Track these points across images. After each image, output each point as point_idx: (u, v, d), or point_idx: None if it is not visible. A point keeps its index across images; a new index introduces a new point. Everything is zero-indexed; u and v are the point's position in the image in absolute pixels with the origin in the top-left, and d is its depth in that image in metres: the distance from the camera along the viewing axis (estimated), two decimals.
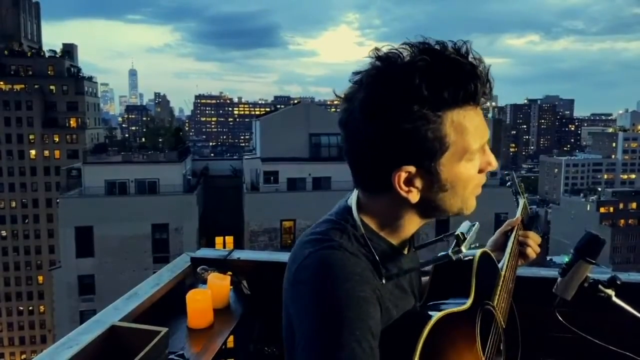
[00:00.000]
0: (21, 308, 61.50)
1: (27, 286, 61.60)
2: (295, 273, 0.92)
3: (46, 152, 62.60)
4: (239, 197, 30.16)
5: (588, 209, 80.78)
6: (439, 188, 0.92)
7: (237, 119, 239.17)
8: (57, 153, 62.15)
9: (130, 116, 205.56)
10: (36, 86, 62.82)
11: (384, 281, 0.92)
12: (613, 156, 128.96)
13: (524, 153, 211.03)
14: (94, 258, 27.16)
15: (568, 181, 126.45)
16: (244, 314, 1.98)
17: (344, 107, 0.93)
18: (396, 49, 0.90)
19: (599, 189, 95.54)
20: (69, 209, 27.47)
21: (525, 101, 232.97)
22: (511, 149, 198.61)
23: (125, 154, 34.02)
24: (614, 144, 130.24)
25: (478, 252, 1.06)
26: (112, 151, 36.03)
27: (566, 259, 1.52)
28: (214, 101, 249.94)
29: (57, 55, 67.47)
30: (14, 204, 62.35)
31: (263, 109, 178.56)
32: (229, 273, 2.06)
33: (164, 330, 1.45)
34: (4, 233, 61.85)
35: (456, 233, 0.97)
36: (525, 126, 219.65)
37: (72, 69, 66.42)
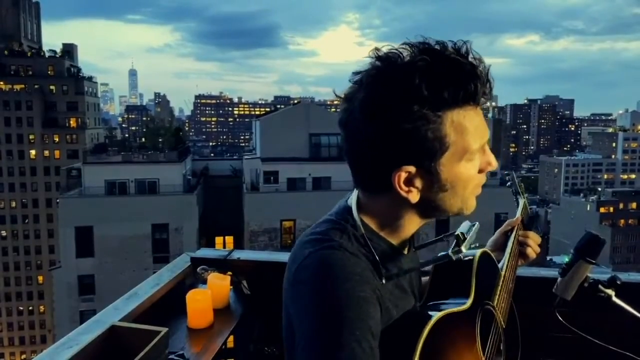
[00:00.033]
0: (21, 308, 61.50)
1: (27, 286, 61.59)
2: (295, 273, 0.92)
3: (46, 152, 62.60)
4: (239, 197, 30.16)
5: (588, 209, 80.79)
6: (439, 188, 0.92)
7: (237, 119, 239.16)
8: (57, 153, 62.14)
9: (130, 116, 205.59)
10: (36, 86, 62.82)
11: (384, 281, 0.92)
12: (613, 156, 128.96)
13: (524, 153, 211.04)
14: (94, 258, 27.16)
15: (568, 181, 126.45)
16: (244, 314, 1.98)
17: (344, 107, 0.93)
18: (396, 49, 0.90)
19: (599, 189, 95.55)
20: (69, 209, 27.47)
21: (525, 101, 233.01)
22: (511, 149, 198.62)
23: (125, 154, 34.01)
24: (614, 144, 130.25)
25: (478, 252, 1.06)
26: (112, 151, 36.02)
27: (566, 259, 1.52)
28: (214, 101, 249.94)
29: (57, 55, 67.47)
30: (14, 204, 62.36)
31: (263, 109, 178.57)
32: (229, 273, 2.06)
33: (164, 330, 1.45)
34: (4, 233, 61.84)
35: (456, 233, 0.97)
36: (525, 126, 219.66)
37: (72, 69, 66.42)
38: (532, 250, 1.33)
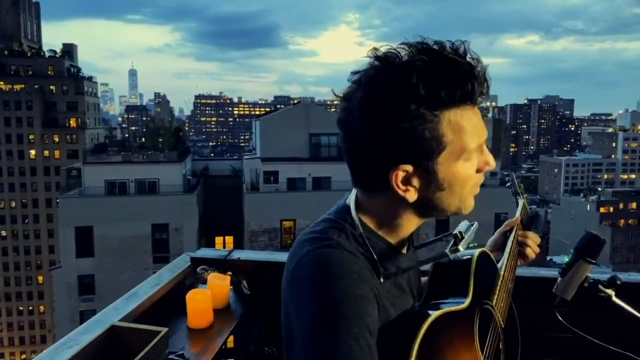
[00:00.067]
0: (21, 308, 61.49)
1: (27, 286, 61.58)
2: (293, 271, 0.92)
3: (46, 152, 62.59)
4: (239, 197, 30.16)
5: (588, 209, 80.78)
6: (437, 187, 0.93)
7: (237, 119, 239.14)
8: (57, 153, 62.13)
9: (130, 116, 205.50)
10: (36, 86, 62.81)
11: (382, 280, 0.93)
12: (613, 156, 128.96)
13: (524, 153, 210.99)
14: (94, 258, 27.15)
15: (568, 181, 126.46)
16: (244, 314, 1.98)
17: (343, 107, 0.94)
18: (394, 49, 0.90)
19: (599, 189, 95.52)
20: (69, 209, 27.47)
21: (525, 101, 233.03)
22: (511, 149, 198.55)
23: (125, 154, 33.99)
24: (614, 144, 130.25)
25: (476, 251, 1.06)
26: (112, 151, 36.01)
27: (566, 259, 1.52)
28: (214, 101, 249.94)
29: (57, 55, 67.46)
30: (14, 204, 62.35)
31: (263, 109, 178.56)
32: (229, 273, 2.06)
33: (164, 330, 1.45)
34: (4, 233, 61.83)
35: (454, 232, 0.97)
36: (525, 126, 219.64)
37: (72, 69, 66.41)
38: (532, 251, 1.33)
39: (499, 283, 1.11)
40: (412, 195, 0.93)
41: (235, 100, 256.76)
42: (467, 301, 0.97)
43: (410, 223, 1.00)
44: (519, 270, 1.30)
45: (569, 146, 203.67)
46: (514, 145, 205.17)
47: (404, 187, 0.92)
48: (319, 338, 0.82)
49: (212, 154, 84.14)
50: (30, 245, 62.19)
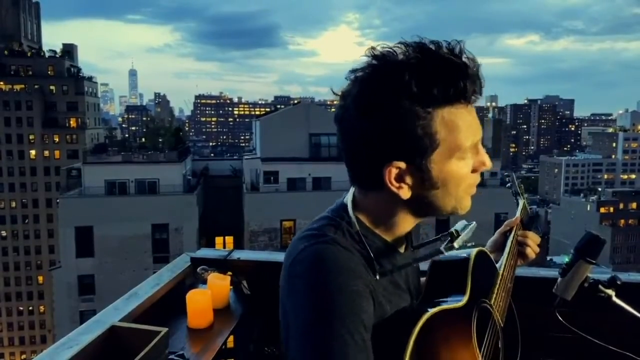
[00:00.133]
0: (21, 308, 61.48)
1: (27, 286, 61.57)
2: (289, 268, 0.93)
3: (46, 152, 62.57)
4: (239, 197, 30.15)
5: (588, 209, 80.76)
6: (430, 185, 0.93)
7: (237, 119, 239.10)
8: (57, 153, 62.12)
9: (130, 116, 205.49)
10: (36, 86, 62.78)
11: (377, 277, 0.93)
12: (613, 156, 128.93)
13: (524, 153, 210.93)
14: (94, 258, 27.15)
15: (568, 181, 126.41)
16: (244, 314, 1.99)
17: (339, 104, 0.95)
18: (391, 48, 0.91)
19: (599, 189, 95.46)
20: (69, 209, 27.46)
21: (525, 101, 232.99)
22: (511, 149, 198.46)
23: (125, 154, 33.98)
24: (614, 144, 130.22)
25: (474, 250, 1.06)
26: (112, 151, 36.00)
27: (566, 259, 1.52)
28: (214, 101, 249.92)
29: (57, 55, 67.43)
30: (14, 204, 62.33)
31: (263, 109, 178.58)
32: (229, 273, 2.06)
33: (164, 330, 1.45)
34: (4, 233, 61.82)
35: (450, 230, 0.98)
36: (525, 126, 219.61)
37: (72, 69, 66.39)
38: (532, 250, 1.33)
39: (498, 282, 1.11)
40: (405, 193, 0.93)
41: (235, 100, 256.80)
42: (465, 299, 0.97)
43: (406, 222, 1.00)
44: (519, 270, 1.30)
45: (569, 146, 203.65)
46: (514, 145, 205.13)
47: (397, 184, 0.92)
48: (314, 333, 0.83)
49: (212, 154, 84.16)
50: (30, 245, 62.18)
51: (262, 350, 2.12)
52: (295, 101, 68.56)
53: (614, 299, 1.19)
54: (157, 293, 1.87)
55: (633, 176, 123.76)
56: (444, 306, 0.93)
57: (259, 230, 28.04)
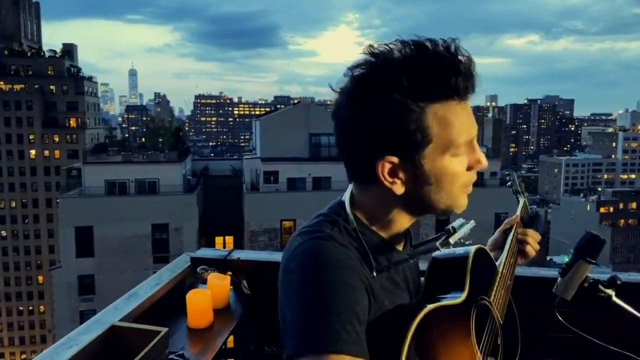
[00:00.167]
0: (21, 308, 61.47)
1: (27, 286, 61.56)
2: (285, 263, 0.94)
3: (46, 152, 62.56)
4: (239, 197, 30.15)
5: (588, 209, 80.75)
6: (424, 181, 0.94)
7: (237, 119, 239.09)
8: (57, 153, 62.11)
9: (130, 116, 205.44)
10: (36, 86, 62.77)
11: (374, 274, 0.93)
12: (613, 156, 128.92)
13: (524, 153, 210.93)
14: (94, 258, 27.15)
15: (568, 181, 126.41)
16: (244, 314, 1.98)
17: (336, 100, 0.96)
18: (387, 45, 0.92)
19: (599, 189, 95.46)
20: (69, 209, 27.46)
21: (525, 101, 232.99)
22: (511, 149, 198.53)
23: (125, 154, 34.00)
24: (614, 144, 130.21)
25: (474, 248, 1.06)
26: (112, 151, 36.03)
27: (566, 259, 1.52)
28: (214, 101, 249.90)
29: (57, 55, 67.42)
30: (14, 204, 62.32)
31: (263, 109, 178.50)
32: (229, 273, 2.06)
33: (164, 330, 1.45)
34: (4, 233, 61.81)
35: (447, 227, 0.98)
36: (525, 126, 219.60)
37: (72, 69, 66.37)
38: (532, 248, 1.34)
39: (498, 279, 1.12)
40: (399, 188, 0.94)
41: (235, 100, 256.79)
42: (463, 296, 0.97)
43: (402, 219, 1.01)
44: (518, 270, 1.30)
45: (569, 146, 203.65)
46: (514, 145, 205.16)
47: (390, 179, 0.93)
48: (307, 325, 0.83)
49: (212, 154, 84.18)
50: (30, 245, 62.17)
51: (262, 350, 2.12)
52: (295, 101, 68.56)
53: (614, 298, 1.20)
54: (157, 293, 1.87)
55: (633, 176, 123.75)
56: (443, 302, 0.93)
57: (259, 230, 28.04)
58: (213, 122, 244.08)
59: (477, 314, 0.96)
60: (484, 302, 1.03)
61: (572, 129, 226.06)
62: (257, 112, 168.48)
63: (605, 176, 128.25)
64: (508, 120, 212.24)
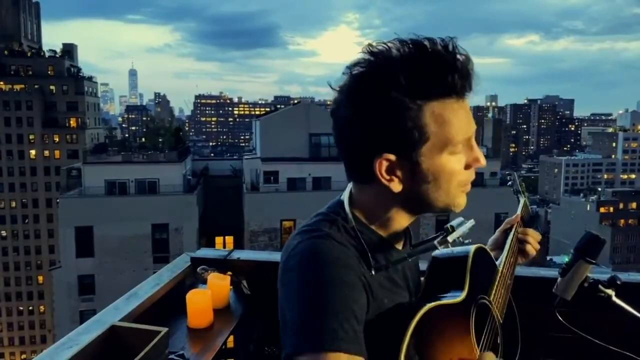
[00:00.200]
0: (21, 308, 61.46)
1: (27, 286, 61.55)
2: (284, 263, 0.94)
3: (46, 152, 62.55)
4: (239, 197, 30.15)
5: (588, 209, 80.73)
6: (421, 179, 0.94)
7: (237, 119, 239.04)
8: (57, 153, 62.10)
9: (130, 116, 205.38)
10: (36, 86, 62.75)
11: (373, 272, 0.94)
12: (613, 156, 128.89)
13: (524, 153, 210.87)
14: (94, 258, 27.15)
15: (568, 181, 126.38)
16: (244, 314, 1.98)
17: (335, 98, 0.97)
18: (385, 44, 0.93)
19: (599, 189, 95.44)
20: (69, 209, 27.46)
21: (525, 101, 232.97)
22: (511, 149, 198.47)
23: (125, 154, 34.01)
24: (614, 144, 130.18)
25: (473, 247, 1.06)
26: (112, 151, 36.04)
27: (566, 259, 1.52)
28: (214, 101, 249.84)
29: (57, 55, 67.40)
30: (14, 204, 62.31)
31: (263, 109, 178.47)
32: (229, 273, 2.06)
33: (164, 330, 1.45)
34: (4, 233, 61.80)
35: (446, 226, 0.98)
36: (525, 126, 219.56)
37: (72, 69, 66.36)
38: (532, 248, 1.34)
39: (498, 279, 1.12)
40: (396, 186, 0.94)
41: (235, 100, 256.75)
42: (463, 295, 0.97)
43: (401, 218, 1.01)
44: (519, 270, 1.30)
45: (569, 146, 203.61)
46: (514, 145, 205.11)
47: (388, 177, 0.93)
48: (304, 324, 0.84)
49: (212, 154, 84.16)
50: (30, 245, 62.16)
51: (262, 350, 2.12)
52: (295, 101, 68.52)
53: (614, 298, 1.20)
54: (157, 293, 1.87)
55: (633, 176, 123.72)
56: (442, 301, 0.94)
57: (259, 230, 28.04)
58: (213, 122, 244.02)
59: (476, 313, 0.96)
60: (483, 301, 1.03)
61: (572, 129, 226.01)
62: (257, 112, 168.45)
63: (605, 176, 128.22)
64: (508, 120, 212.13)
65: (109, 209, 26.64)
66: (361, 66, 0.93)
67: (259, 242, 27.66)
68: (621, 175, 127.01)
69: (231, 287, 2.03)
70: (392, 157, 0.92)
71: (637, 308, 1.19)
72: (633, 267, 61.93)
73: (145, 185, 29.26)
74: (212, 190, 31.88)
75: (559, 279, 1.24)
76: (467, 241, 1.00)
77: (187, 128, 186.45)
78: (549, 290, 1.24)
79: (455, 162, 0.95)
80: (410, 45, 0.90)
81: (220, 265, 2.11)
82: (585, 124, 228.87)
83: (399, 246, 1.05)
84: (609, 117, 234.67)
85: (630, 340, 1.34)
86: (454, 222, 1.00)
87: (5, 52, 65.04)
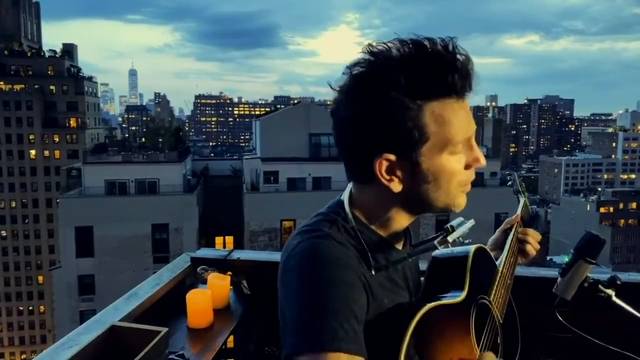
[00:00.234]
0: (21, 308, 61.45)
1: (27, 286, 61.54)
2: (284, 263, 0.94)
3: (46, 152, 62.55)
4: (239, 197, 30.15)
5: (588, 209, 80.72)
6: (421, 179, 0.94)
7: (237, 119, 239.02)
8: (57, 153, 62.10)
9: (130, 116, 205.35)
10: (36, 86, 62.75)
11: (373, 272, 0.94)
12: (613, 156, 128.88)
13: (524, 153, 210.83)
14: (94, 258, 27.15)
15: (568, 181, 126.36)
16: (244, 314, 1.98)
17: (335, 98, 0.97)
18: (385, 44, 0.93)
19: (599, 189, 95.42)
20: (69, 209, 27.46)
21: (525, 101, 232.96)
22: (511, 149, 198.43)
23: (125, 154, 34.02)
24: (614, 144, 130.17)
25: (473, 247, 1.06)
26: (112, 151, 36.05)
27: (566, 259, 1.52)
28: (214, 101, 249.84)
29: (57, 55, 67.39)
30: (14, 204, 62.31)
31: (263, 109, 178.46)
32: (229, 273, 2.06)
33: (164, 330, 1.45)
34: (4, 233, 61.79)
35: (446, 226, 0.98)
36: (525, 126, 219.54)
37: (72, 69, 66.35)
38: (532, 247, 1.34)
39: (497, 279, 1.12)
40: (396, 186, 0.94)
41: (235, 100, 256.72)
42: (463, 295, 0.97)
43: (401, 218, 1.01)
44: (519, 270, 1.30)
45: (569, 146, 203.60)
46: (514, 145, 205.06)
47: (388, 177, 0.93)
48: (304, 323, 0.84)
49: (212, 154, 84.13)
50: (30, 245, 62.15)
51: (262, 350, 2.12)
52: (295, 101, 68.52)
53: (614, 298, 1.19)
54: (157, 293, 1.87)
55: (633, 176, 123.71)
56: (442, 301, 0.94)
57: (259, 230, 28.04)
58: (213, 122, 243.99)
59: (476, 313, 0.96)
60: (483, 301, 1.03)
61: (572, 129, 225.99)
62: (257, 112, 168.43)
63: (605, 176, 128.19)
64: (508, 120, 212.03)
65: (109, 209, 26.65)
66: (361, 66, 0.93)
67: (259, 242, 27.66)
68: (621, 175, 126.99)
69: (231, 287, 2.03)
70: (392, 157, 0.92)
71: (637, 308, 1.19)
72: (633, 267, 61.93)
73: (145, 185, 29.26)
74: (212, 190, 31.88)
75: (559, 279, 1.24)
76: (467, 241, 1.01)
77: (187, 128, 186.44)
78: (549, 290, 1.24)
79: (455, 162, 0.95)
80: (410, 45, 0.90)
81: (220, 265, 2.11)
82: (585, 124, 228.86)
83: (399, 246, 1.05)
84: (609, 117, 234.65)
85: (630, 340, 1.34)
86: (454, 222, 1.00)
87: (5, 52, 65.04)
